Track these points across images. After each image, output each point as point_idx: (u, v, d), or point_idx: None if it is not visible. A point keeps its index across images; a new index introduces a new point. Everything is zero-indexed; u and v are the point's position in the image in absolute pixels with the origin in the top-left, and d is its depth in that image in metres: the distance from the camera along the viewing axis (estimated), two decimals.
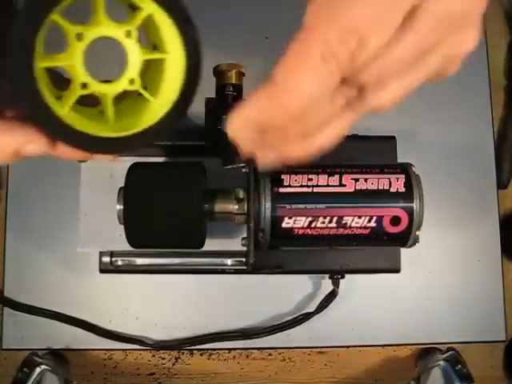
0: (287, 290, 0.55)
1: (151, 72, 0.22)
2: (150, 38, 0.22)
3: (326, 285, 0.52)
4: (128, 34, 0.21)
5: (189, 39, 0.21)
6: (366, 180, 0.39)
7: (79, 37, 0.19)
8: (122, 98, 0.22)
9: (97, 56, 0.21)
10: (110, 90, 0.21)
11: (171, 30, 0.21)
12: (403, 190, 0.39)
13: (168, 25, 0.21)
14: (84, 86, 0.20)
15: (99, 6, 0.20)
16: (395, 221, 0.39)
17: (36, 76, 0.19)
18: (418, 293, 0.56)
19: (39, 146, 0.21)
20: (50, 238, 0.56)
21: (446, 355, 0.52)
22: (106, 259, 0.48)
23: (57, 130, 0.20)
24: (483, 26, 0.60)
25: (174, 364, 0.56)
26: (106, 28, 0.20)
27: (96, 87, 0.20)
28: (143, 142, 0.22)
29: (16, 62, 0.18)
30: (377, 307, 0.56)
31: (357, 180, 0.39)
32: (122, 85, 0.21)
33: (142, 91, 0.22)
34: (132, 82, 0.21)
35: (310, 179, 0.39)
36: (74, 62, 0.20)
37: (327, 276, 0.50)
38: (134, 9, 0.21)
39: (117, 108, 0.22)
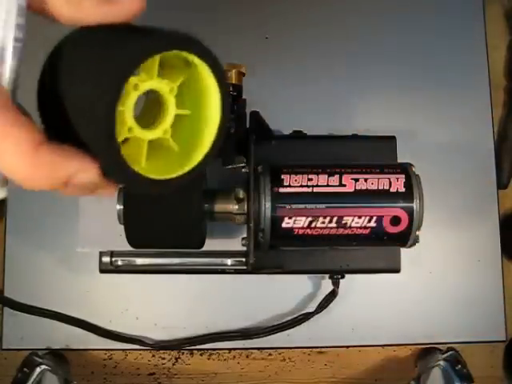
0: (287, 290, 0.55)
1: (180, 124, 0.25)
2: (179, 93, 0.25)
3: (326, 285, 0.52)
4: (171, 90, 0.23)
5: (225, 97, 0.24)
6: (365, 180, 0.39)
7: (135, 87, 0.22)
8: (153, 144, 0.24)
9: None
10: (147, 136, 0.23)
11: (206, 89, 0.24)
12: (403, 189, 0.39)
13: (205, 84, 0.24)
14: (129, 129, 0.22)
15: (155, 64, 0.22)
16: (395, 221, 0.39)
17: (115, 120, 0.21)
18: (418, 293, 0.56)
19: (91, 175, 0.22)
20: (50, 238, 0.56)
21: (446, 355, 0.52)
22: (106, 259, 0.48)
23: (113, 165, 0.21)
24: (483, 25, 0.60)
25: (174, 364, 0.56)
26: (157, 83, 0.22)
27: (138, 132, 0.22)
28: (174, 187, 0.25)
29: (103, 107, 0.20)
30: (377, 307, 0.56)
31: (357, 180, 0.39)
32: (157, 133, 0.23)
33: (170, 141, 0.24)
34: (165, 131, 0.24)
35: (310, 179, 0.39)
36: (126, 107, 0.22)
37: (327, 276, 0.50)
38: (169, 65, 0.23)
39: (148, 152, 0.24)
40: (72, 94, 0.21)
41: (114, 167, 0.22)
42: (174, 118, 0.24)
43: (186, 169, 0.25)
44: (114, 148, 0.21)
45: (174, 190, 0.24)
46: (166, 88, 0.23)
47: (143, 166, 0.23)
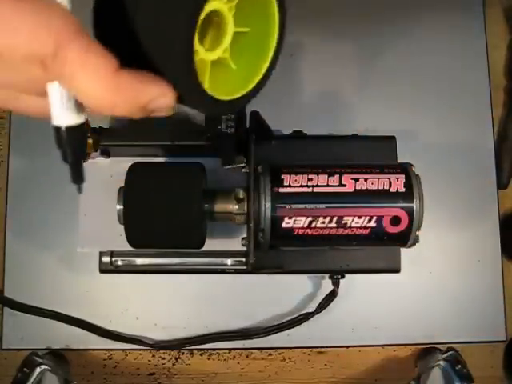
0: (287, 290, 0.55)
1: (237, 43, 0.25)
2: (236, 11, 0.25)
3: (326, 285, 0.52)
4: (230, 9, 0.23)
5: (284, 12, 0.25)
6: (365, 180, 0.39)
7: None
8: (213, 65, 0.24)
9: None
10: (209, 57, 0.23)
11: (264, 6, 0.24)
12: (403, 190, 0.39)
13: (264, 2, 0.24)
14: (196, 52, 0.22)
15: None
16: (395, 221, 0.39)
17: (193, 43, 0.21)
18: (418, 293, 0.56)
19: (169, 99, 0.22)
20: (50, 238, 0.56)
21: (446, 355, 0.52)
22: (106, 259, 0.48)
23: (191, 89, 0.22)
24: (483, 25, 0.60)
25: (174, 364, 0.56)
26: (218, 3, 0.23)
27: (202, 54, 0.23)
28: (238, 107, 0.25)
29: (184, 34, 0.20)
30: (377, 307, 0.56)
31: (357, 180, 0.39)
32: (217, 52, 0.24)
33: (229, 59, 0.24)
34: (225, 50, 0.24)
35: (310, 179, 0.39)
36: None
37: (327, 276, 0.50)
38: None
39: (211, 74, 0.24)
40: (142, 21, 0.21)
41: (191, 91, 0.22)
42: (232, 38, 0.24)
43: (244, 91, 0.25)
44: (192, 73, 0.21)
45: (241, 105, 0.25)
46: (225, 8, 0.23)
47: (207, 87, 0.23)
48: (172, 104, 0.22)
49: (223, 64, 0.25)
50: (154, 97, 0.21)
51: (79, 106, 0.22)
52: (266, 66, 0.25)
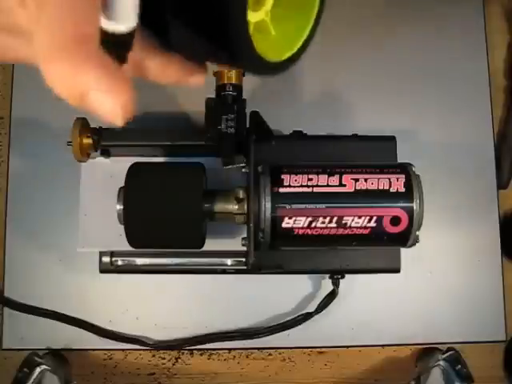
0: (287, 290, 0.55)
1: (278, 8, 0.25)
2: None
3: (326, 285, 0.52)
4: None
5: None
6: (365, 180, 0.39)
7: None
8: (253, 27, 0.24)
9: None
10: (252, 18, 0.23)
11: None
12: (403, 190, 0.39)
13: None
14: None
15: None
16: (395, 221, 0.39)
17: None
18: (418, 293, 0.56)
19: (109, 101, 0.17)
20: (50, 238, 0.56)
21: (446, 355, 0.52)
22: (106, 259, 0.48)
23: (243, 48, 0.21)
24: (483, 24, 0.60)
25: (174, 364, 0.56)
26: None
27: (248, 14, 0.22)
28: (284, 70, 0.25)
29: None
30: (377, 307, 0.56)
31: (357, 180, 0.39)
32: (261, 14, 0.24)
33: (269, 24, 0.24)
34: (267, 13, 0.24)
35: (310, 179, 0.39)
36: None
37: (327, 276, 0.50)
38: None
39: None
40: None
41: (243, 50, 0.21)
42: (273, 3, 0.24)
43: (280, 58, 0.25)
44: (246, 32, 0.20)
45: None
46: None
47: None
48: (110, 107, 0.17)
49: (260, 30, 0.24)
50: (90, 85, 0.17)
51: (132, 13, 0.19)
52: (305, 33, 0.25)
